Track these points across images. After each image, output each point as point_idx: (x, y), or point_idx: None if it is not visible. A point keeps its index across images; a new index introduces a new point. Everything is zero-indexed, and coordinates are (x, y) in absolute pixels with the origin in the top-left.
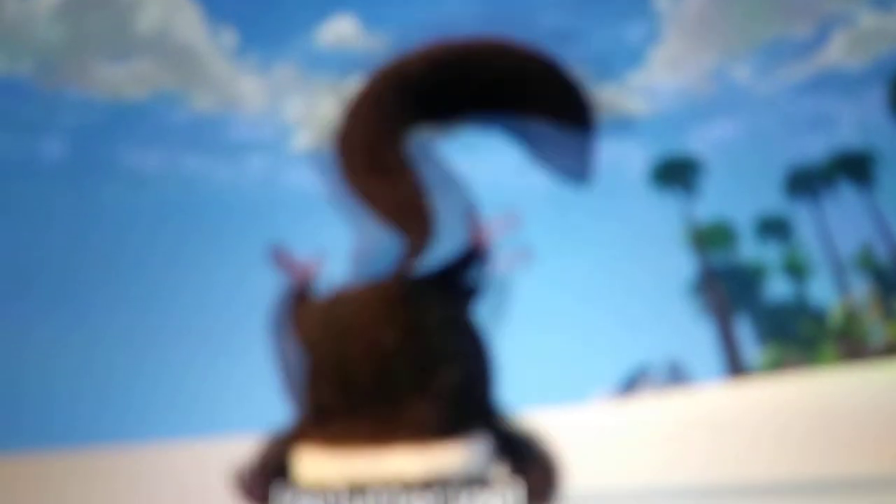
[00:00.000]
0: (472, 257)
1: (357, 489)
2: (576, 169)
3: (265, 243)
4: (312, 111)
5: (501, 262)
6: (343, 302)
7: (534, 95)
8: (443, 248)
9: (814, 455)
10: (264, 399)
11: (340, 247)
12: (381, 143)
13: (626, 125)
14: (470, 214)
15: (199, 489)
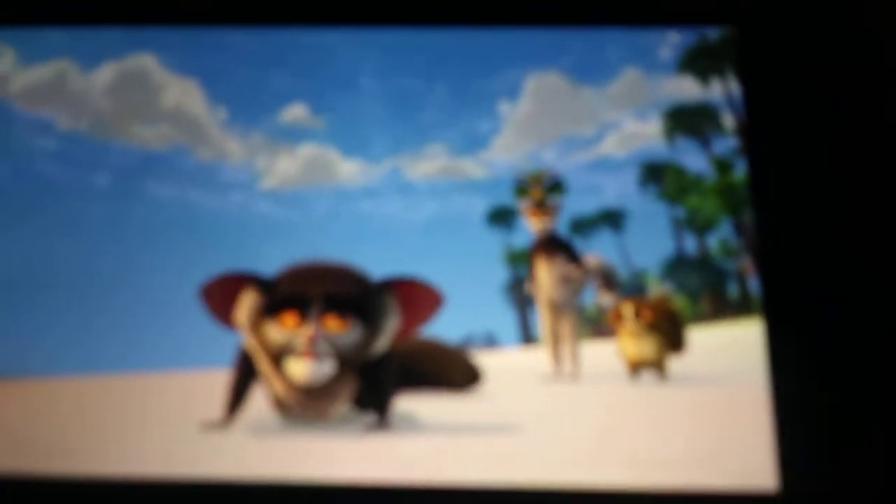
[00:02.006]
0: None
1: None
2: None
3: (240, 249)
4: (273, 164)
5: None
6: None
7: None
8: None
9: (575, 391)
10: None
11: (286, 253)
12: None
13: (472, 185)
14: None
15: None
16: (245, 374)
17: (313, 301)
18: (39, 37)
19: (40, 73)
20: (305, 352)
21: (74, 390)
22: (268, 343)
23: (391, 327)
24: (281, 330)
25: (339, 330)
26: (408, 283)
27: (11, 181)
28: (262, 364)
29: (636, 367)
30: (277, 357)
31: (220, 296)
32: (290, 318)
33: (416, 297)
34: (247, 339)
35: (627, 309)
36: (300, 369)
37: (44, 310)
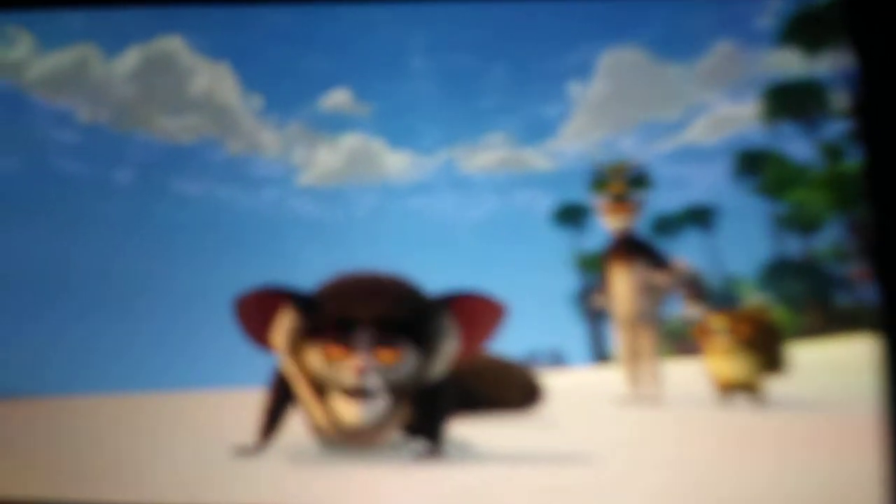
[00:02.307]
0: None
1: None
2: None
3: (274, 252)
4: (312, 157)
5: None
6: None
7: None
8: None
9: (656, 416)
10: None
11: (327, 258)
12: None
13: (537, 178)
14: None
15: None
16: (281, 398)
17: (362, 327)
18: (58, 20)
19: (59, 59)
20: (354, 390)
21: (92, 409)
22: (309, 371)
23: (450, 350)
24: (325, 359)
25: (392, 361)
26: (467, 297)
27: (27, 177)
28: (302, 390)
29: (728, 390)
30: (320, 387)
31: (256, 313)
32: (335, 349)
33: (477, 314)
34: (284, 362)
35: (719, 322)
36: (349, 413)
37: (57, 318)
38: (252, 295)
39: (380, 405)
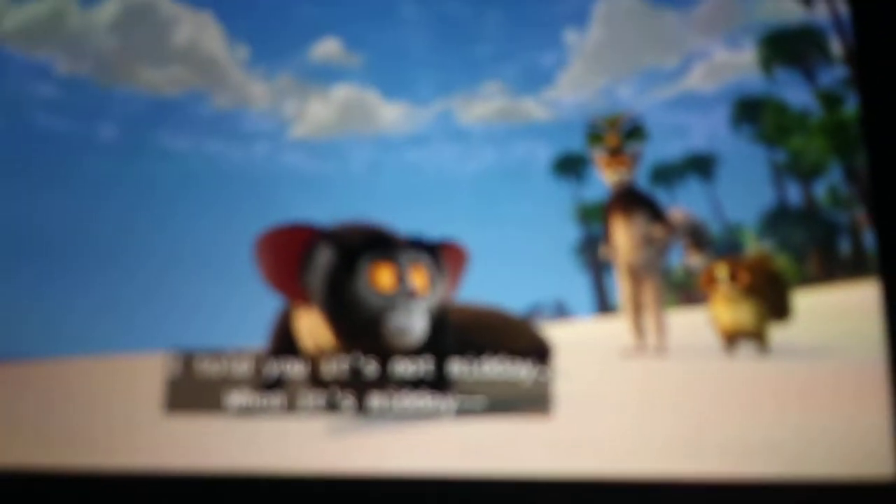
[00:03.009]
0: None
1: None
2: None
3: (267, 208)
4: (304, 109)
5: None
6: None
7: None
8: None
9: (662, 367)
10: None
11: (321, 212)
12: None
13: (535, 129)
14: None
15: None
16: (283, 349)
17: (401, 251)
18: None
19: (35, 9)
20: (405, 306)
21: (68, 371)
22: (358, 306)
23: (442, 291)
24: (375, 289)
25: (426, 285)
26: (452, 245)
27: (4, 133)
28: (313, 340)
29: (732, 339)
30: (369, 321)
31: (281, 251)
32: (385, 273)
33: (458, 260)
34: (294, 311)
35: (721, 270)
36: (399, 324)
37: (36, 278)
38: (276, 232)
39: (422, 323)
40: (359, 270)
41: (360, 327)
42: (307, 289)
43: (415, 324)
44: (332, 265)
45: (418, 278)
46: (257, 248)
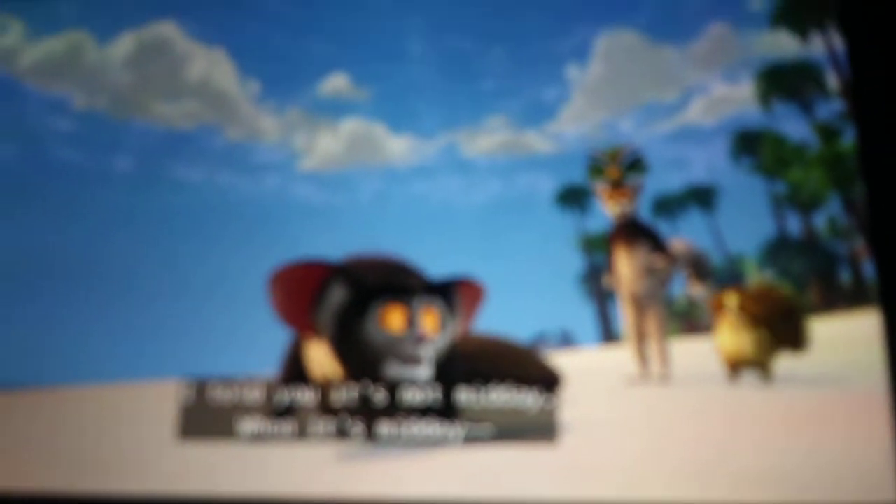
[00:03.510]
0: None
1: None
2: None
3: (275, 239)
4: (313, 142)
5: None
6: None
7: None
8: None
9: (665, 396)
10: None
11: (330, 245)
12: None
13: (539, 161)
14: None
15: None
16: (294, 378)
17: (415, 294)
18: (50, 6)
19: (52, 46)
20: (410, 357)
21: (84, 398)
22: (366, 345)
23: (454, 329)
24: (382, 326)
25: (436, 328)
26: (469, 282)
27: (22, 166)
28: (322, 369)
29: (736, 367)
30: (367, 361)
31: (296, 287)
32: (396, 315)
33: (473, 297)
34: (305, 342)
35: (731, 299)
36: (401, 374)
37: (53, 307)
38: (291, 268)
39: (425, 373)
40: (371, 311)
41: (367, 365)
42: (318, 324)
43: (419, 371)
44: (344, 304)
45: (429, 321)
46: (271, 283)
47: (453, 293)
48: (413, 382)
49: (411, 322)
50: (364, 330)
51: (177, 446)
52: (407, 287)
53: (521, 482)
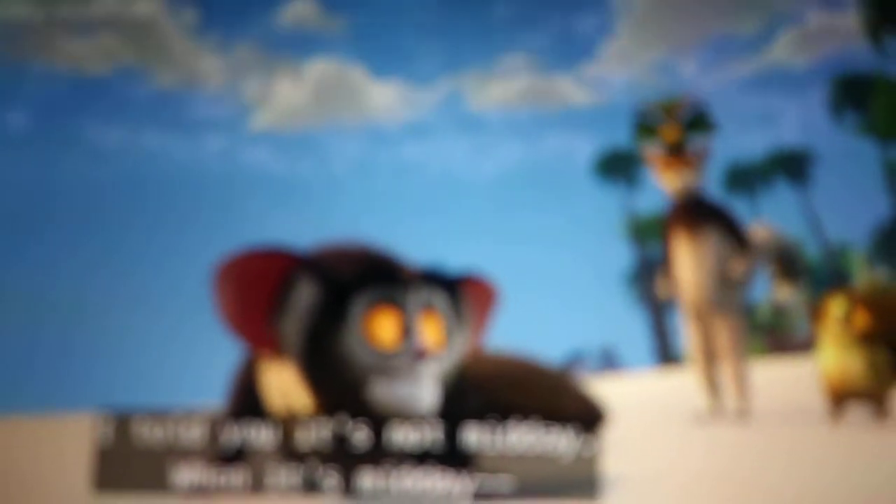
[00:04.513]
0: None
1: None
2: None
3: (221, 220)
4: (270, 91)
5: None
6: None
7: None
8: None
9: (743, 439)
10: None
11: (294, 228)
12: None
13: (572, 116)
14: None
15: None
16: (247, 409)
17: (410, 292)
18: None
19: None
20: (408, 370)
21: None
22: (345, 363)
23: (463, 342)
24: (371, 343)
25: (440, 338)
26: (479, 281)
27: None
28: (284, 397)
29: (841, 397)
30: (348, 383)
31: (248, 283)
32: (387, 322)
33: (485, 299)
34: (259, 362)
35: (839, 306)
36: (396, 395)
37: None
38: (244, 259)
39: (428, 393)
40: (351, 316)
41: (347, 392)
42: (280, 335)
43: (422, 393)
44: (315, 307)
45: (431, 330)
46: (217, 279)
47: (459, 293)
48: (411, 415)
49: (407, 330)
50: (343, 342)
51: (92, 498)
52: (398, 279)
53: None
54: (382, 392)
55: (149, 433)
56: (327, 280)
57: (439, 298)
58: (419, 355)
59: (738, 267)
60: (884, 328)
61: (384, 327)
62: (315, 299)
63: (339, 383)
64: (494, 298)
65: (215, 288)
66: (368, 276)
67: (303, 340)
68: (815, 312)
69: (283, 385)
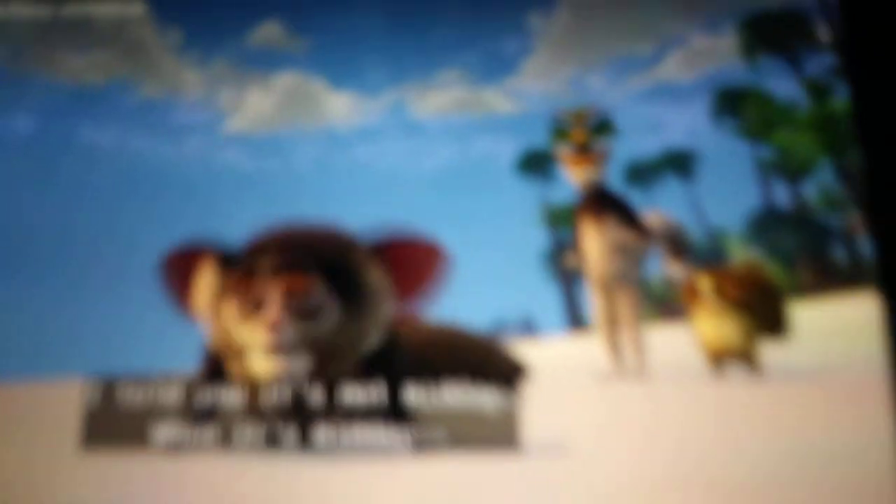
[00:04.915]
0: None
1: None
2: None
3: (198, 208)
4: (242, 100)
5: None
6: None
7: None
8: None
9: (641, 391)
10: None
11: (262, 215)
12: None
13: (498, 122)
14: None
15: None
16: (211, 375)
17: (267, 256)
18: None
19: None
20: (271, 347)
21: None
22: (228, 334)
23: (384, 311)
24: (238, 316)
25: (302, 289)
26: (399, 244)
27: None
28: (234, 362)
29: (719, 358)
30: (238, 352)
31: (179, 272)
32: (245, 294)
33: (412, 262)
34: (212, 333)
35: (705, 282)
36: (265, 368)
37: None
38: (175, 252)
39: (301, 363)
40: (228, 292)
41: (236, 360)
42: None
43: (286, 364)
44: (213, 288)
45: (292, 282)
46: (160, 268)
47: (366, 266)
48: (276, 379)
49: (259, 302)
50: (225, 318)
51: (80, 457)
52: (265, 267)
53: (480, 497)
54: (254, 363)
55: (131, 396)
56: (227, 265)
57: (311, 265)
58: (272, 327)
59: (631, 240)
60: (750, 298)
61: (245, 290)
62: (213, 282)
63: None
64: (434, 259)
65: (161, 277)
66: (253, 261)
67: (210, 317)
68: (686, 289)
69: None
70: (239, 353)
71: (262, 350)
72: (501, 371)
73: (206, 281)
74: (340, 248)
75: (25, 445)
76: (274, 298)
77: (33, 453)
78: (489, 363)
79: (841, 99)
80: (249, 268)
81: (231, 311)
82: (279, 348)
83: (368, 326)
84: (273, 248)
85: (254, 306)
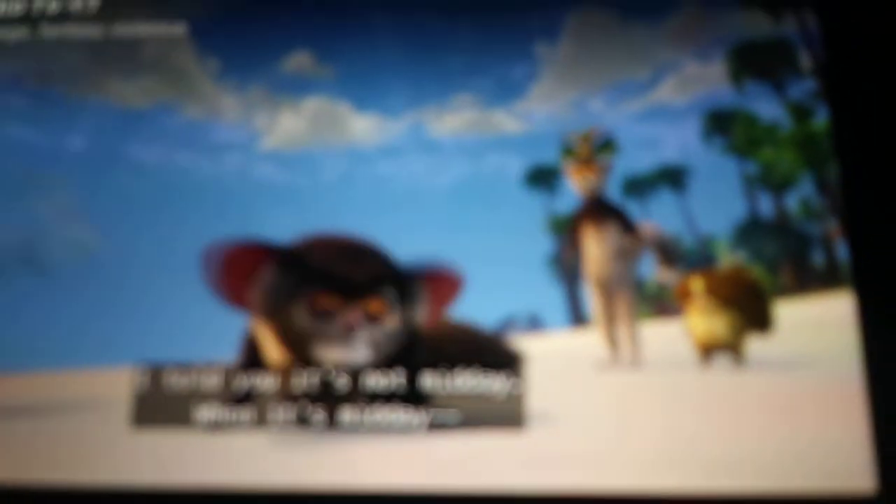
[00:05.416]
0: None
1: None
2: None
3: (239, 220)
4: (275, 121)
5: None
6: None
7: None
8: None
9: (635, 381)
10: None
11: (292, 224)
12: None
13: (507, 141)
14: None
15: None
16: (250, 363)
17: (357, 282)
18: None
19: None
20: (342, 337)
21: (31, 386)
22: (292, 329)
23: (416, 321)
24: (311, 312)
25: (381, 315)
26: (440, 271)
27: None
28: (273, 355)
29: (708, 351)
30: (301, 345)
31: (232, 267)
32: (326, 299)
33: (445, 288)
34: (256, 325)
35: (697, 284)
36: (332, 356)
37: (5, 295)
38: (228, 248)
39: (361, 355)
40: (299, 297)
41: (300, 349)
42: (254, 305)
43: (354, 355)
44: (275, 286)
45: (371, 309)
46: (206, 261)
47: (415, 286)
48: (349, 366)
49: (343, 307)
50: (291, 314)
51: (130, 434)
52: (348, 277)
53: (488, 470)
54: (321, 352)
55: (176, 381)
56: (287, 267)
57: (386, 291)
58: (349, 327)
59: (628, 244)
60: (737, 296)
61: (324, 305)
62: (276, 280)
63: (295, 343)
64: (457, 288)
65: (206, 267)
66: (324, 268)
67: (265, 312)
68: (680, 291)
69: (271, 343)
70: (299, 345)
71: (331, 342)
72: (503, 358)
73: (270, 277)
74: (403, 271)
75: (83, 424)
76: (353, 313)
77: (91, 431)
78: (493, 352)
79: (820, 120)
80: (317, 278)
81: (303, 307)
82: (349, 344)
83: (410, 332)
84: (342, 264)
85: (326, 315)
